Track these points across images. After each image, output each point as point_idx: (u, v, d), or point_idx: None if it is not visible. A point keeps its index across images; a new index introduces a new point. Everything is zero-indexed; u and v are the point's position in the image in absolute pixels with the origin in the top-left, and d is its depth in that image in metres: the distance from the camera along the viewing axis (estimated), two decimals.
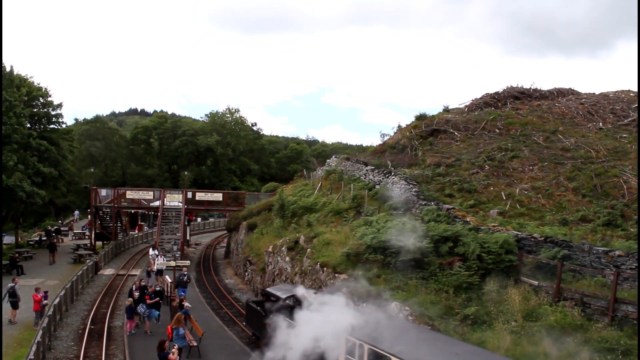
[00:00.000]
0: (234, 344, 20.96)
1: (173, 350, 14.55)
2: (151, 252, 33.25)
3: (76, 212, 65.58)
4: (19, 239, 45.84)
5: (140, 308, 22.08)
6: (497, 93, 42.57)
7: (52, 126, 44.13)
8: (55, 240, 43.68)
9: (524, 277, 18.42)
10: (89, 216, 52.59)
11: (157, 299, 22.86)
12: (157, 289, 23.79)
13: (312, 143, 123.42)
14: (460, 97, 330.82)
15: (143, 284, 24.04)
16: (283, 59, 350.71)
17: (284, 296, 17.69)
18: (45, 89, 43.77)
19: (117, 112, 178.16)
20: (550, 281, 17.54)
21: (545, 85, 53.15)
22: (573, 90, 45.15)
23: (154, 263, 30.49)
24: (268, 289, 20.04)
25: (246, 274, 33.50)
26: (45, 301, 23.08)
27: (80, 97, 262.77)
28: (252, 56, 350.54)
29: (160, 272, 29.90)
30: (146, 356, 18.98)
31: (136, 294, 22.79)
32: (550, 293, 16.99)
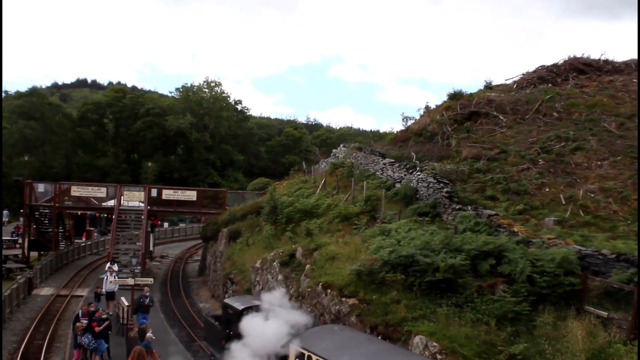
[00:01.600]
0: None
1: None
2: (108, 265, 33.15)
3: (5, 212, 65.71)
4: None
5: (85, 339, 22.04)
6: (555, 65, 42.58)
7: None
8: None
9: (589, 306, 18.32)
10: (21, 218, 52.70)
11: (106, 323, 22.84)
12: (104, 315, 23.74)
13: (314, 128, 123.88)
14: (507, 70, 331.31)
15: (92, 309, 24.02)
16: (277, 20, 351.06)
17: (241, 307, 20.15)
18: None
19: (60, 83, 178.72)
20: (625, 312, 17.44)
21: (619, 55, 53.16)
22: None
23: (107, 280, 30.46)
24: (226, 300, 22.61)
25: (227, 296, 33.48)
26: None
27: (11, 63, 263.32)
28: (237, 15, 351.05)
29: (111, 296, 29.84)
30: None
31: (84, 321, 22.72)
32: (625, 328, 16.89)
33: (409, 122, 41.61)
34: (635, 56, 45.62)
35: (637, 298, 16.18)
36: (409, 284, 20.05)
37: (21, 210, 51.49)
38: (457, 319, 18.32)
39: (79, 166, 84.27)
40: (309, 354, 15.52)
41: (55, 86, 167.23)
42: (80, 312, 24.12)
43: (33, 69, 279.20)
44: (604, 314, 17.67)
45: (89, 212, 54.66)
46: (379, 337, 18.19)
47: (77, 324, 22.30)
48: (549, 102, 35.58)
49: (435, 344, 17.20)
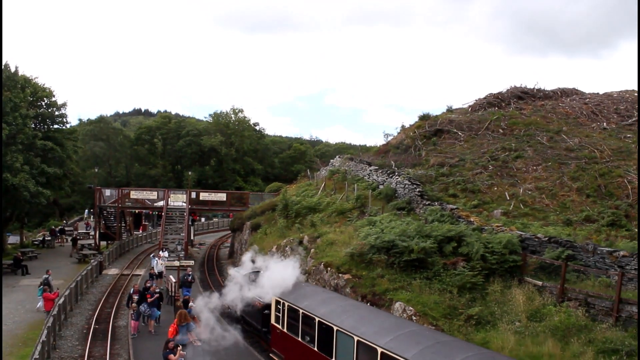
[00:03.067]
0: (239, 344, 20.98)
1: (179, 352, 14.59)
2: (161, 253, 33.04)
3: (86, 211, 65.99)
4: (24, 239, 45.99)
5: (142, 307, 22.09)
6: (500, 93, 42.58)
7: (56, 126, 44.28)
8: (60, 240, 44.36)
9: (528, 277, 18.39)
10: (90, 216, 52.80)
11: (157, 295, 22.92)
12: (157, 290, 23.82)
13: (316, 143, 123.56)
14: (463, 97, 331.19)
15: (148, 285, 24.03)
16: (285, 60, 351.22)
17: (243, 274, 22.38)
18: (50, 89, 43.91)
19: (120, 112, 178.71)
20: (555, 281, 17.51)
21: (548, 85, 53.24)
22: (577, 90, 45.08)
23: (157, 264, 30.51)
24: (235, 269, 24.50)
25: None
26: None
27: (84, 97, 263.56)
28: (254, 56, 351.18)
29: (160, 275, 29.91)
30: (150, 356, 19.05)
31: (135, 297, 22.77)
32: (555, 293, 16.95)
33: (389, 138, 41.53)
34: (558, 86, 45.72)
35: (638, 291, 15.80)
36: (391, 262, 20.12)
37: (91, 210, 51.69)
38: (427, 289, 18.40)
39: (136, 175, 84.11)
40: (283, 301, 17.84)
41: (117, 114, 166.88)
42: (132, 290, 24.14)
43: (101, 102, 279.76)
44: (539, 283, 17.76)
45: (144, 211, 54.66)
46: (367, 304, 18.26)
47: (133, 304, 22.07)
48: (496, 122, 35.61)
49: (411, 308, 17.28)
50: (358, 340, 13.26)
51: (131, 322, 21.81)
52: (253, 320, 21.02)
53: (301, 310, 16.44)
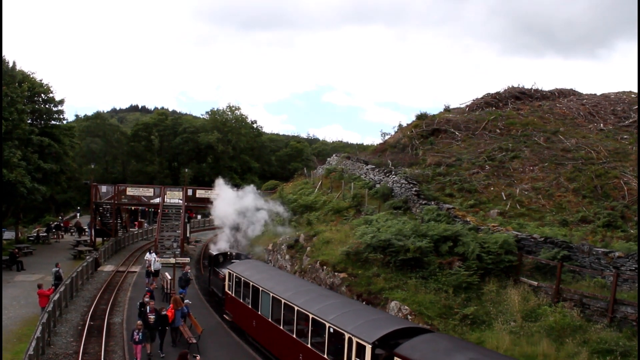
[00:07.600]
0: (233, 341, 20.99)
1: None
2: (147, 255, 32.34)
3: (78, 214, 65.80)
4: (19, 235, 45.81)
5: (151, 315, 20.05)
6: (498, 93, 42.64)
7: (53, 122, 44.14)
8: (55, 236, 44.26)
9: (524, 277, 18.42)
10: (78, 214, 52.37)
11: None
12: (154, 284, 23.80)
13: (313, 141, 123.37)
14: (461, 96, 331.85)
15: (163, 312, 19.98)
16: (282, 57, 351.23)
17: (214, 253, 28.66)
18: (47, 85, 43.75)
19: (117, 108, 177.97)
20: (550, 282, 17.55)
21: (544, 85, 53.20)
22: (574, 90, 45.18)
23: (154, 261, 30.43)
24: (210, 250, 30.64)
25: None
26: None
27: (81, 93, 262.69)
28: (251, 54, 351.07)
29: (156, 273, 29.82)
30: (145, 353, 19.02)
31: (151, 317, 19.01)
32: (550, 294, 16.99)
33: (386, 137, 41.66)
34: (556, 86, 45.80)
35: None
36: (387, 261, 20.15)
37: (79, 208, 51.36)
38: (423, 288, 18.43)
39: (132, 172, 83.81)
40: (233, 273, 22.43)
41: (113, 111, 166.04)
42: (148, 308, 19.39)
43: (98, 98, 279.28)
44: (535, 283, 17.80)
45: (140, 207, 54.48)
46: (364, 303, 18.26)
47: (138, 321, 18.38)
48: (493, 122, 35.67)
49: (407, 307, 17.29)
50: (273, 296, 18.27)
51: (134, 347, 17.88)
52: (217, 290, 26.31)
53: (243, 279, 21.24)
